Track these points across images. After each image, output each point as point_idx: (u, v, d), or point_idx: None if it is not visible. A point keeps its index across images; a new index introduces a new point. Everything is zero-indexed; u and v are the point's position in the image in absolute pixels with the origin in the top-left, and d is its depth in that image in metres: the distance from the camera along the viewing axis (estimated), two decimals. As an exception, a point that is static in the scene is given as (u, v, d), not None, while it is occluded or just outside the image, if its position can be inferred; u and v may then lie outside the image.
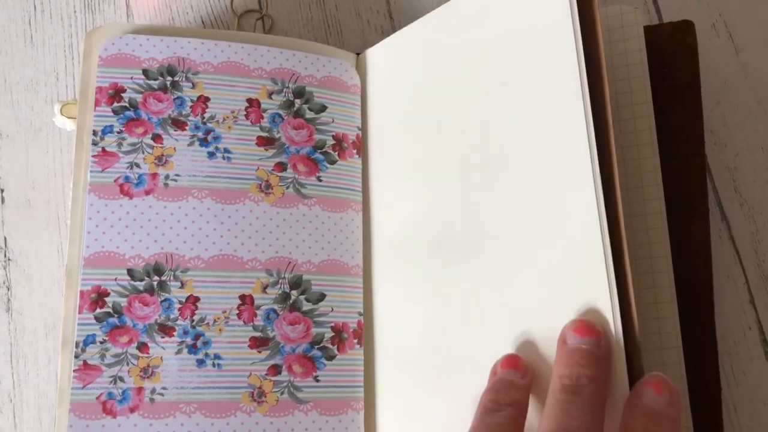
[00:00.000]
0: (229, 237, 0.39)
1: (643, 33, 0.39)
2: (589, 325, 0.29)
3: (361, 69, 0.44)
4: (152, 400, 0.36)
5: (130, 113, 0.40)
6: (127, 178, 0.39)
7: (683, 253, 0.38)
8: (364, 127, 0.43)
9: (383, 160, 0.42)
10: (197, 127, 0.40)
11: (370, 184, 0.42)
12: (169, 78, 0.40)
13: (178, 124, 0.40)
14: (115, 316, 0.37)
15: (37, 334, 0.43)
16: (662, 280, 0.36)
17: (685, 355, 0.35)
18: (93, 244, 0.37)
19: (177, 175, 0.39)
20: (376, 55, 0.43)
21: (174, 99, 0.40)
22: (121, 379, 0.36)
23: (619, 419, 0.28)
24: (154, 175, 0.39)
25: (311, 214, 0.40)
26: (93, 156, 0.39)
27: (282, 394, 0.37)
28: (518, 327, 0.33)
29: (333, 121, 0.42)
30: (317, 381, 0.38)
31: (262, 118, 0.41)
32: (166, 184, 0.39)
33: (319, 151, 0.41)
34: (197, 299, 0.38)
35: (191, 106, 0.40)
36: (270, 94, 0.41)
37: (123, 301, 0.37)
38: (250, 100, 0.41)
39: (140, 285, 0.37)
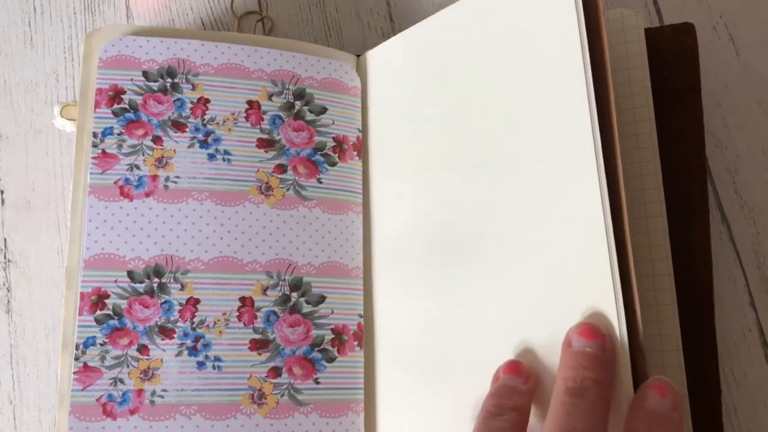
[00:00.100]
0: (229, 239, 0.39)
1: (644, 36, 0.39)
2: (594, 328, 0.29)
3: (361, 71, 0.44)
4: (152, 402, 0.36)
5: (130, 115, 0.40)
6: (127, 180, 0.39)
7: (684, 255, 0.38)
8: (364, 129, 0.43)
9: (383, 162, 0.41)
10: (197, 129, 0.40)
11: (371, 186, 0.42)
12: (169, 80, 0.40)
13: (178, 125, 0.40)
14: (115, 318, 0.37)
15: (37, 336, 0.43)
16: (663, 282, 0.36)
17: (685, 357, 0.35)
18: (93, 246, 0.37)
19: (177, 177, 0.39)
20: (376, 56, 0.43)
21: (174, 101, 0.40)
22: (121, 381, 0.36)
23: (623, 422, 0.28)
24: (154, 177, 0.39)
25: (311, 216, 0.40)
26: (93, 158, 0.39)
27: (282, 396, 0.37)
28: (520, 330, 0.33)
29: (333, 123, 0.42)
30: (317, 383, 0.38)
31: (263, 119, 0.41)
32: (166, 186, 0.39)
33: (319, 152, 0.41)
34: (197, 301, 0.38)
35: (191, 108, 0.40)
36: (270, 96, 0.41)
37: (123, 303, 0.37)
38: (250, 102, 0.41)
39: (140, 287, 0.37)
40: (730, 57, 0.47)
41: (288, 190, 0.40)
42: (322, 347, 0.38)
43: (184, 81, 0.40)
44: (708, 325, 0.38)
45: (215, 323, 0.38)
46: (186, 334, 0.37)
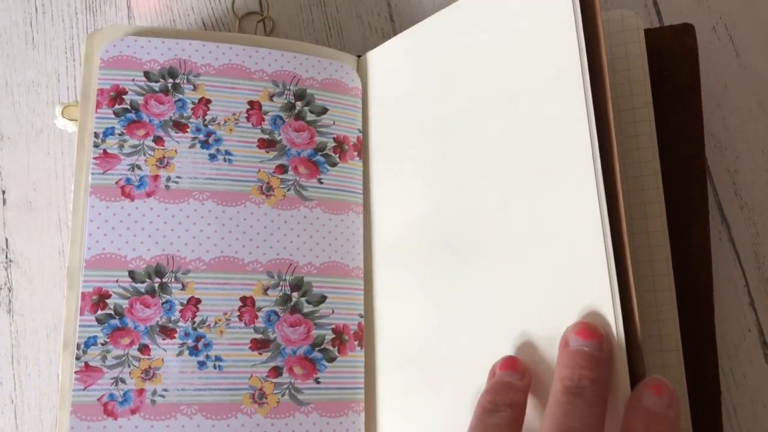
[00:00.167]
0: (230, 239, 0.39)
1: (644, 37, 0.39)
2: (591, 327, 0.29)
3: (362, 71, 0.44)
4: (153, 401, 0.36)
5: (132, 115, 0.40)
6: (128, 180, 0.39)
7: (683, 255, 0.38)
8: (365, 130, 0.43)
9: (384, 162, 0.42)
10: (198, 130, 0.40)
11: (371, 186, 0.42)
12: (171, 80, 0.40)
13: (180, 126, 0.40)
14: (117, 317, 0.37)
15: (38, 336, 0.43)
16: (662, 282, 0.36)
17: (685, 357, 0.36)
18: (94, 246, 0.38)
19: (178, 177, 0.39)
20: (377, 57, 0.43)
21: (175, 101, 0.40)
22: (123, 381, 0.36)
23: (620, 421, 0.28)
24: (156, 177, 0.39)
25: (312, 216, 0.40)
26: (94, 158, 0.39)
27: (283, 395, 0.37)
28: (519, 329, 0.33)
29: (334, 124, 0.42)
30: (318, 383, 0.38)
31: (263, 120, 0.41)
32: (167, 186, 0.39)
33: (320, 153, 0.41)
34: (198, 301, 0.38)
35: (192, 109, 0.40)
36: (271, 97, 0.41)
37: (124, 303, 0.37)
38: (251, 103, 0.41)
39: (141, 287, 0.37)
40: (729, 57, 0.47)
41: (289, 190, 0.40)
42: (322, 347, 0.39)
43: (185, 81, 0.40)
44: (708, 325, 0.38)
45: (216, 323, 0.38)
46: (187, 334, 0.37)
